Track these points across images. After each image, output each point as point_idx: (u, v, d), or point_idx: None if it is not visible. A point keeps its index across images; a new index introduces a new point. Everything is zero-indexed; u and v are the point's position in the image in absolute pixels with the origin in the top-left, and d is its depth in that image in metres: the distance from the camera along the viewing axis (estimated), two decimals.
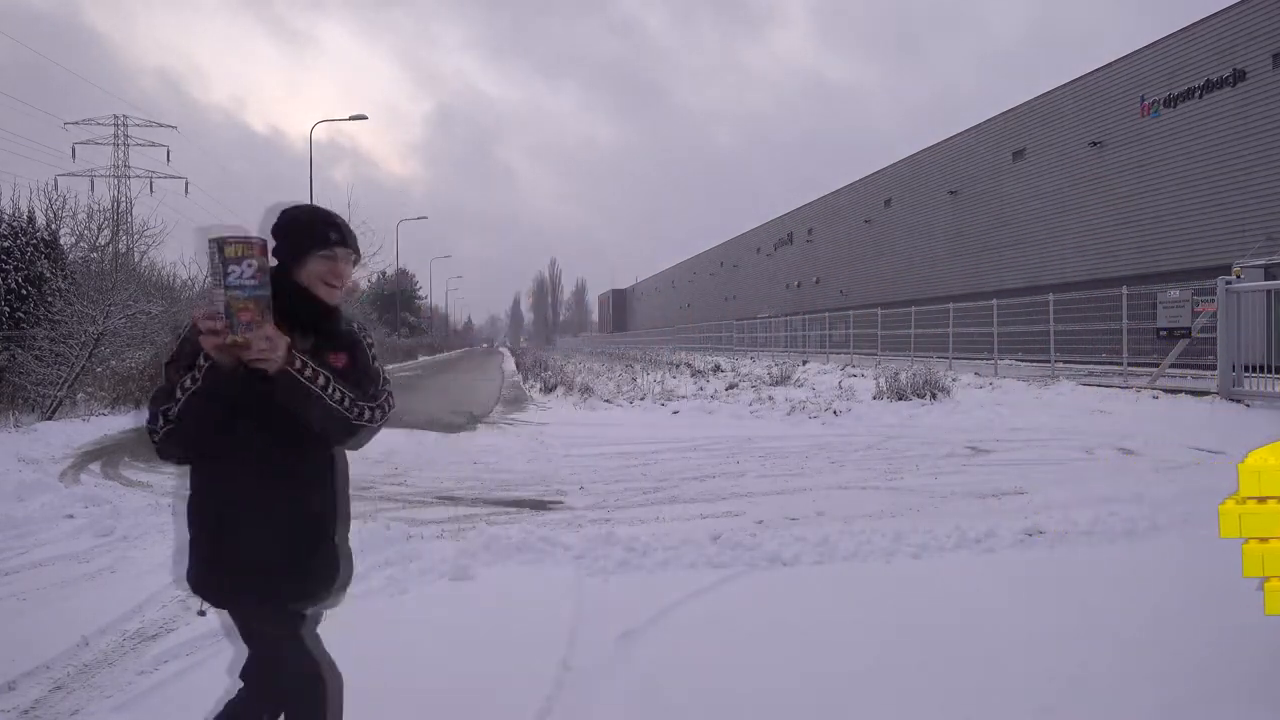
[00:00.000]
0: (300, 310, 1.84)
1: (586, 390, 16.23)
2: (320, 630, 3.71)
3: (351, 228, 2.01)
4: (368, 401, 1.84)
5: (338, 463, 2.00)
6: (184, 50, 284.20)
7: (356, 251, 1.98)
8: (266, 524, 1.85)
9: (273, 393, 1.71)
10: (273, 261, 1.81)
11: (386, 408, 1.91)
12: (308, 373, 1.72)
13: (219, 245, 1.64)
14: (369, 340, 1.98)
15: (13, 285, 13.85)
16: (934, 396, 13.58)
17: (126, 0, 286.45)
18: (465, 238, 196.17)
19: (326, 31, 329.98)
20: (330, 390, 1.75)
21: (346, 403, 1.78)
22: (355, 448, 1.98)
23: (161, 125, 43.36)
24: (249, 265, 1.64)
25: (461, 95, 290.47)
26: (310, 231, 1.89)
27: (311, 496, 1.93)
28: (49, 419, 12.58)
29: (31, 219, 15.63)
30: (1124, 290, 15.93)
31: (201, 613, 2.13)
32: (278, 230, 1.90)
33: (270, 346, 1.65)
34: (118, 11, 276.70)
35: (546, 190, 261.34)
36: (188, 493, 1.92)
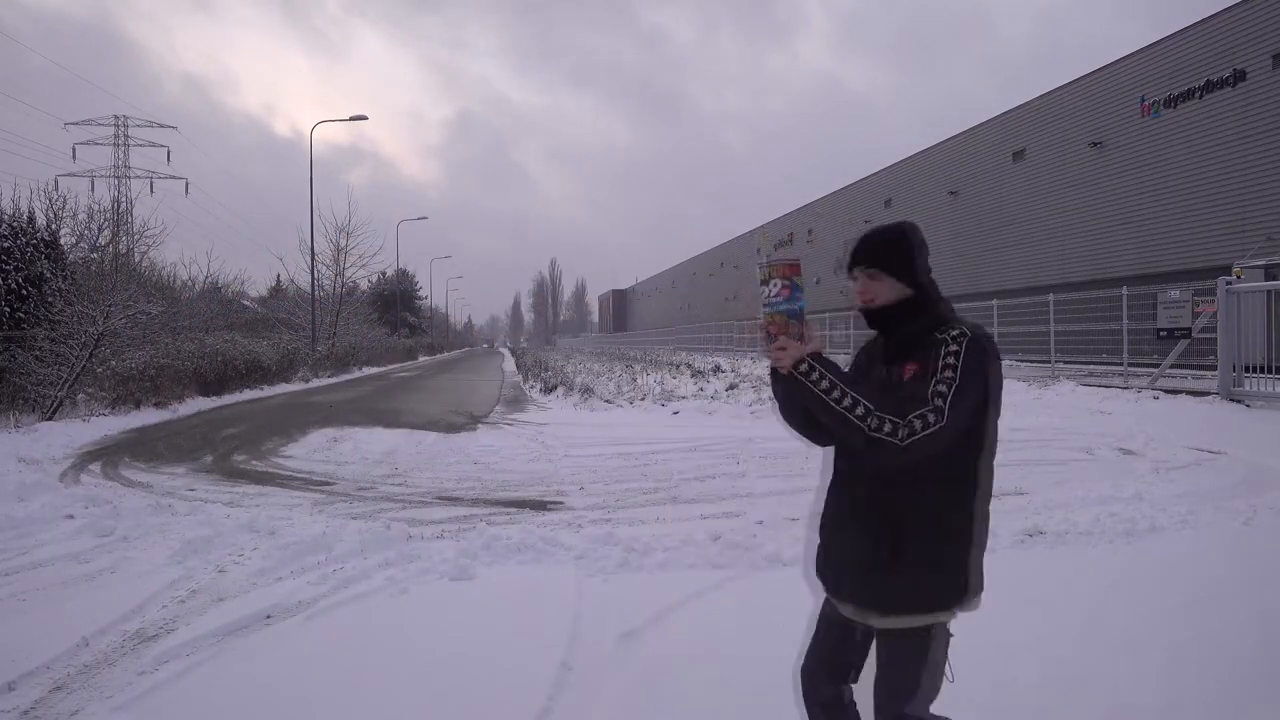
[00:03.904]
0: (868, 323, 2.01)
1: (587, 390, 16.23)
2: (319, 630, 3.73)
3: (875, 238, 2.01)
4: (891, 415, 1.75)
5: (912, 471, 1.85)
6: (210, 55, 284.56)
7: (874, 261, 1.96)
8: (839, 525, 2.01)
9: (790, 393, 1.89)
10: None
11: (918, 427, 1.74)
12: (814, 376, 1.82)
13: (758, 271, 1.92)
14: (950, 360, 1.80)
15: (13, 285, 13.85)
16: None
17: (160, 8, 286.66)
18: (467, 238, 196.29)
19: (355, 36, 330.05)
20: (839, 397, 1.79)
21: (859, 411, 1.76)
22: (892, 463, 1.79)
23: (162, 125, 43.39)
24: (775, 285, 1.88)
25: (485, 100, 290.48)
26: (844, 258, 2.02)
27: (866, 497, 1.92)
28: (49, 419, 12.58)
29: (32, 219, 15.65)
30: (1124, 290, 15.92)
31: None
32: None
33: (781, 354, 1.84)
34: (148, 17, 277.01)
35: (550, 191, 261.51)
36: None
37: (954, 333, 1.83)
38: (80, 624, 3.70)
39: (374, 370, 34.09)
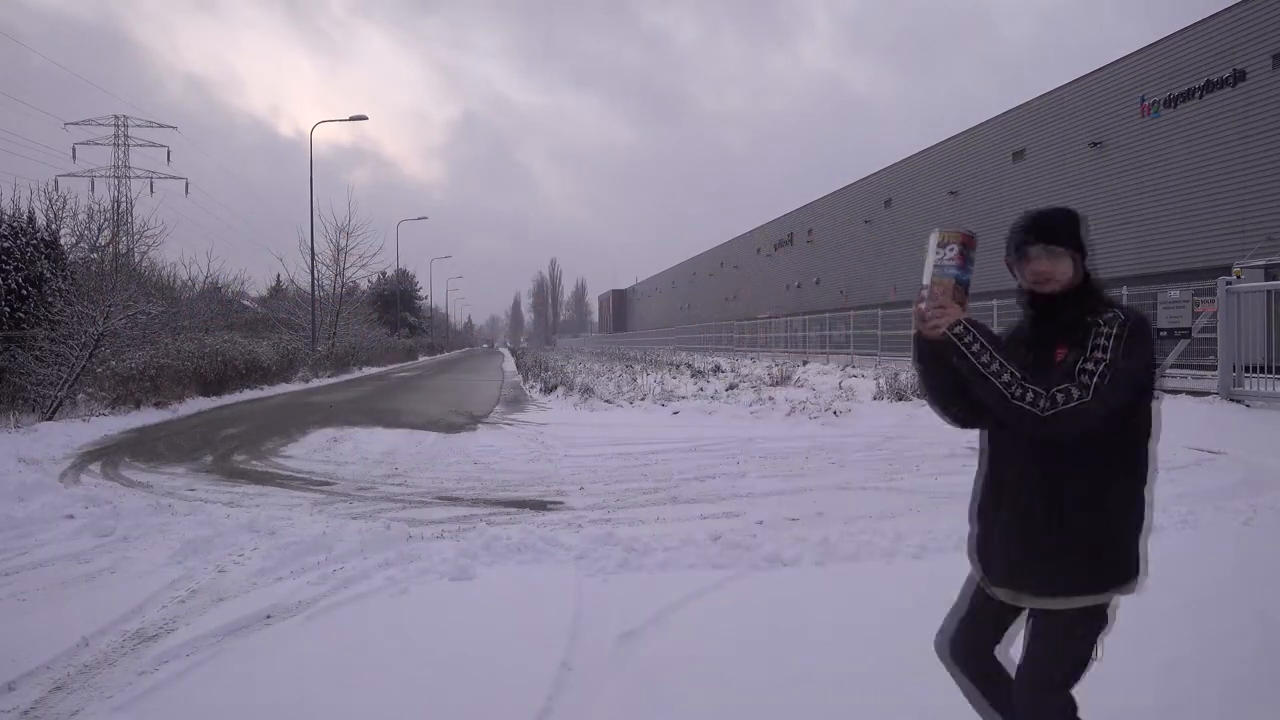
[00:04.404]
0: (1030, 306, 2.00)
1: (587, 391, 16.23)
2: (319, 630, 3.73)
3: (1064, 217, 1.94)
4: (1038, 386, 1.76)
5: (1068, 447, 1.84)
6: (214, 56, 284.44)
7: (1060, 238, 1.91)
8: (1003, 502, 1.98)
9: (938, 356, 1.90)
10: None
11: (1060, 400, 1.74)
12: (966, 339, 1.83)
13: (935, 235, 1.95)
14: (1102, 340, 1.79)
15: (13, 285, 13.84)
16: None
17: (163, 9, 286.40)
18: (467, 238, 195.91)
19: (359, 37, 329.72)
20: (987, 362, 1.81)
21: (1005, 378, 1.79)
22: (1033, 434, 1.81)
23: (162, 126, 43.43)
24: (950, 250, 1.91)
25: (487, 101, 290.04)
26: (1009, 240, 2.01)
27: (1024, 478, 1.92)
28: (49, 419, 12.58)
29: (32, 219, 15.64)
30: (1124, 290, 15.93)
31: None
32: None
33: (942, 314, 1.85)
34: (152, 18, 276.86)
35: (551, 191, 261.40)
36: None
37: (1108, 315, 1.84)
38: (80, 624, 3.69)
39: (374, 370, 34.09)
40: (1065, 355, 1.83)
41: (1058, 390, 1.76)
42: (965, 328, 1.84)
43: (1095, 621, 1.93)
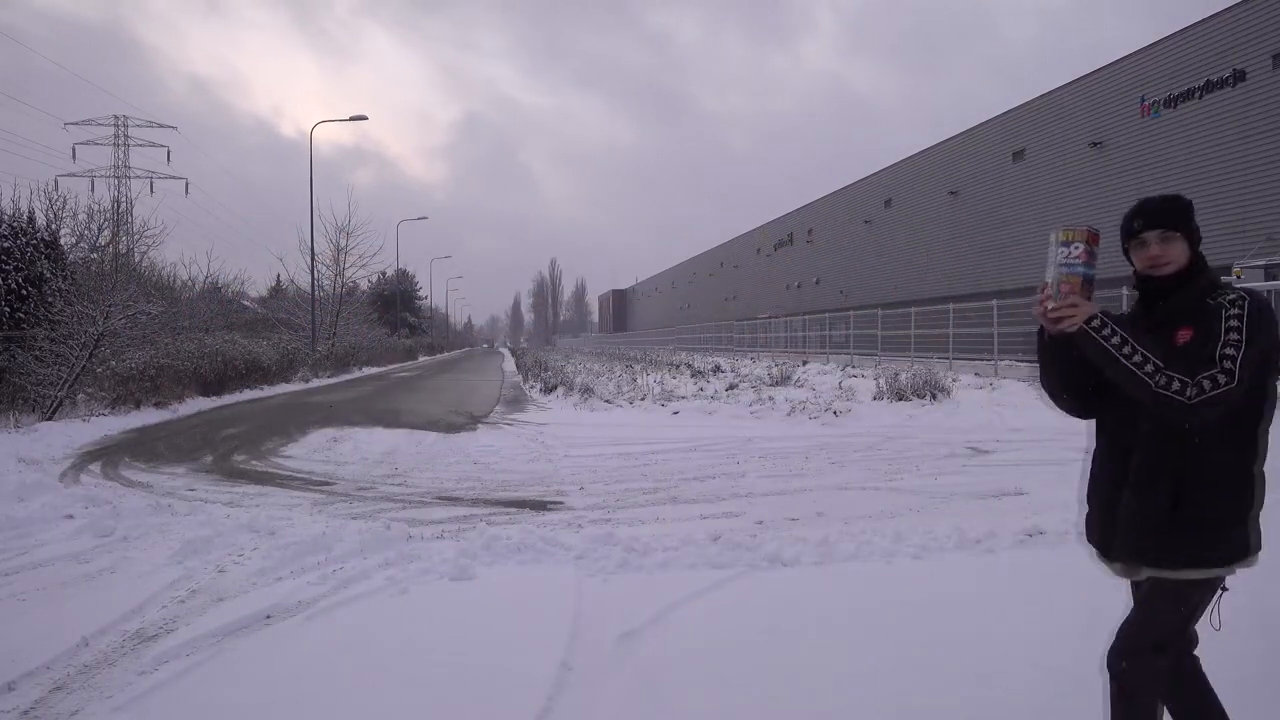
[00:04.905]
0: (1143, 290, 2.06)
1: (587, 391, 16.22)
2: (319, 630, 3.73)
3: (1163, 206, 2.02)
4: (1180, 374, 1.79)
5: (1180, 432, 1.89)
6: (218, 56, 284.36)
7: (1174, 223, 1.98)
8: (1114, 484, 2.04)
9: (1080, 350, 1.92)
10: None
11: (1207, 387, 1.77)
12: (1105, 331, 1.86)
13: (1057, 234, 1.98)
14: (1234, 323, 1.83)
15: (13, 285, 13.84)
16: (934, 397, 13.57)
17: (167, 9, 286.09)
18: (468, 238, 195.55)
19: (363, 38, 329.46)
20: (1129, 353, 1.83)
21: (1149, 368, 1.81)
22: (1178, 421, 1.84)
23: (162, 125, 43.38)
24: (1075, 248, 1.94)
25: (491, 101, 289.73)
26: (1124, 227, 2.08)
27: (1147, 458, 1.96)
28: (49, 419, 12.58)
29: (31, 219, 15.64)
30: (1124, 291, 15.91)
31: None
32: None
33: (1074, 310, 1.88)
34: (157, 19, 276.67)
35: (551, 191, 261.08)
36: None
37: (1232, 296, 1.88)
38: (80, 624, 3.70)
39: (374, 370, 34.09)
40: (1191, 338, 1.87)
41: (1204, 377, 1.78)
42: (1102, 320, 1.87)
43: (1210, 592, 1.98)
